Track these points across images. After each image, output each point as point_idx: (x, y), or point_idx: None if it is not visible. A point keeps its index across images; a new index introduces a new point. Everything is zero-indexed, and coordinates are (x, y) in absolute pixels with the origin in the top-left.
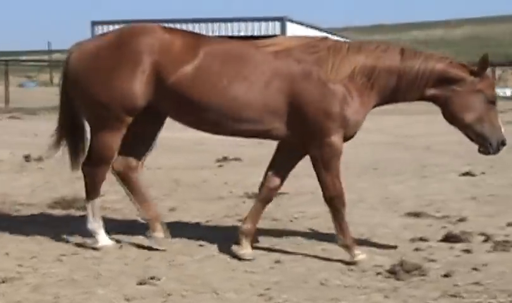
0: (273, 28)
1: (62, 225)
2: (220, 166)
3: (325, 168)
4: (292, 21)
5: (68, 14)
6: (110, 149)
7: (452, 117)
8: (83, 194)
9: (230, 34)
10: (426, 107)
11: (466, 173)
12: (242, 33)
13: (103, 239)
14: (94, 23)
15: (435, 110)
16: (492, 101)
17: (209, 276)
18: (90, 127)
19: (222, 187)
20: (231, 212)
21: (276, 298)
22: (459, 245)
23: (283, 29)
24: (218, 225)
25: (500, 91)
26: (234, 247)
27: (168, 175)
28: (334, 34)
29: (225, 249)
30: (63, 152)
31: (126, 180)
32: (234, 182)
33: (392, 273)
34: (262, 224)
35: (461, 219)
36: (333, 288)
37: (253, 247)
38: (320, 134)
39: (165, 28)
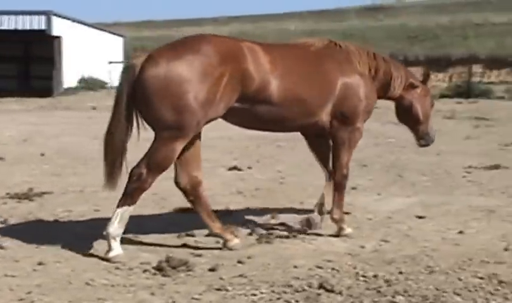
0: (38, 22)
1: None
2: None
3: (349, 149)
4: (58, 15)
5: None
6: (173, 158)
7: (409, 116)
8: None
9: None
10: None
11: (234, 168)
12: (5, 27)
13: (117, 248)
14: None
15: None
16: (432, 104)
17: None
18: (162, 136)
19: None
20: None
21: (38, 301)
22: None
23: (49, 23)
24: None
25: None
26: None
27: None
28: (105, 30)
29: None
30: None
31: (194, 196)
32: None
33: (159, 269)
34: (25, 225)
35: (228, 213)
36: (99, 287)
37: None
38: (352, 121)
39: (231, 37)
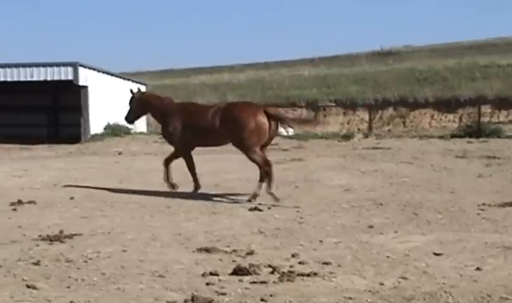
0: (65, 73)
1: None
2: (14, 209)
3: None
4: (84, 66)
5: None
6: None
7: None
8: None
9: (22, 79)
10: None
11: (254, 209)
12: (34, 78)
13: None
14: None
15: (231, 149)
16: None
17: None
18: None
19: (16, 231)
20: (25, 256)
21: None
22: (247, 278)
23: (75, 74)
24: (10, 269)
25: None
26: None
27: None
28: (128, 79)
29: (20, 293)
30: None
31: None
32: (28, 225)
33: None
34: (56, 266)
35: (250, 253)
36: None
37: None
38: None
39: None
